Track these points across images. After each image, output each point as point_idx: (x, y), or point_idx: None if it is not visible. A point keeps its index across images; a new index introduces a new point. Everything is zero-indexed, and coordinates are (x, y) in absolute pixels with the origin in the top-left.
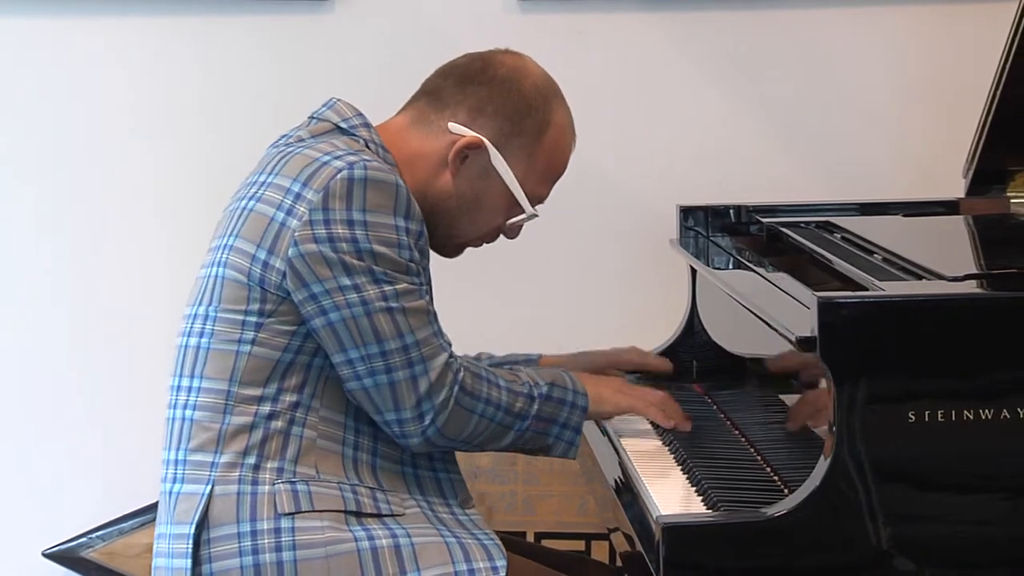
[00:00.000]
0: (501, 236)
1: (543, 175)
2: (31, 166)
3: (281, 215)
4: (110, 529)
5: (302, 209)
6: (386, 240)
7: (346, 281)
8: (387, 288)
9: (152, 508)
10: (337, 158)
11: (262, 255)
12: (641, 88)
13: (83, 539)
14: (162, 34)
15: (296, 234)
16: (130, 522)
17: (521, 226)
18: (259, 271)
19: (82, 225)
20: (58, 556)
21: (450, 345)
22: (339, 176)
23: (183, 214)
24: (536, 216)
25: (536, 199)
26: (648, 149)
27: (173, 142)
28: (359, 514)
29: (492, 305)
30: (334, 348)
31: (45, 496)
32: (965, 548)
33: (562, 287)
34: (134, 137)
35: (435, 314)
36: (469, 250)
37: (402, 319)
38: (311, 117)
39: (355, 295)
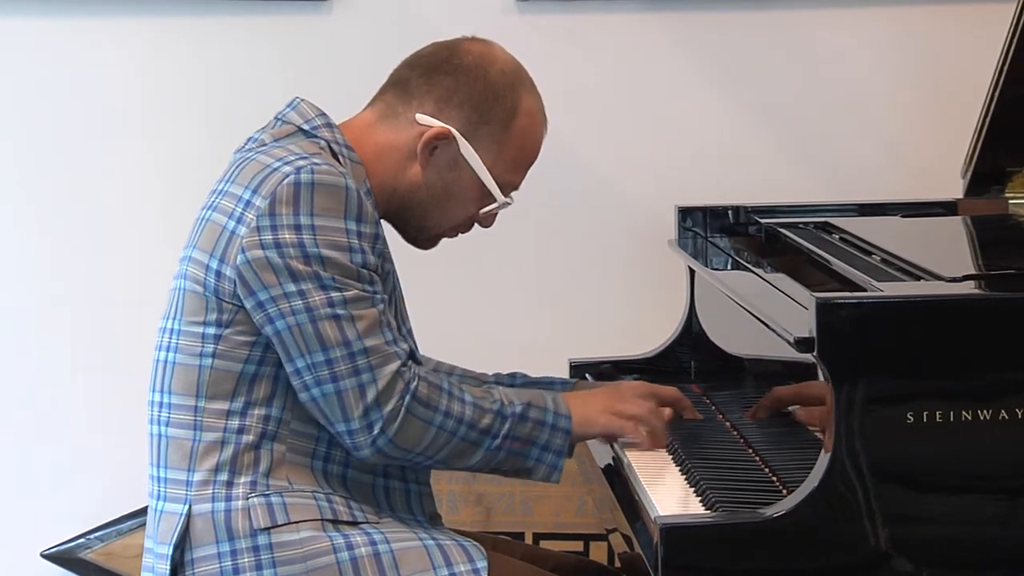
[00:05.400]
0: (476, 226)
1: (514, 162)
2: (32, 166)
3: (232, 223)
4: (108, 530)
5: (250, 216)
6: (336, 244)
7: (291, 287)
8: (334, 295)
9: None
10: (287, 163)
11: (215, 264)
12: (639, 89)
13: (81, 540)
14: (161, 34)
15: (244, 241)
16: (128, 523)
17: (495, 214)
18: (213, 281)
19: (82, 225)
20: (56, 557)
21: (406, 354)
22: (286, 181)
23: (182, 214)
24: (509, 204)
25: (508, 187)
26: (646, 150)
27: (172, 142)
28: (336, 522)
29: (491, 306)
30: (284, 357)
31: (44, 497)
32: (963, 548)
33: (561, 288)
34: (132, 137)
35: (389, 323)
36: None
37: (349, 326)
38: (276, 118)
39: (300, 302)
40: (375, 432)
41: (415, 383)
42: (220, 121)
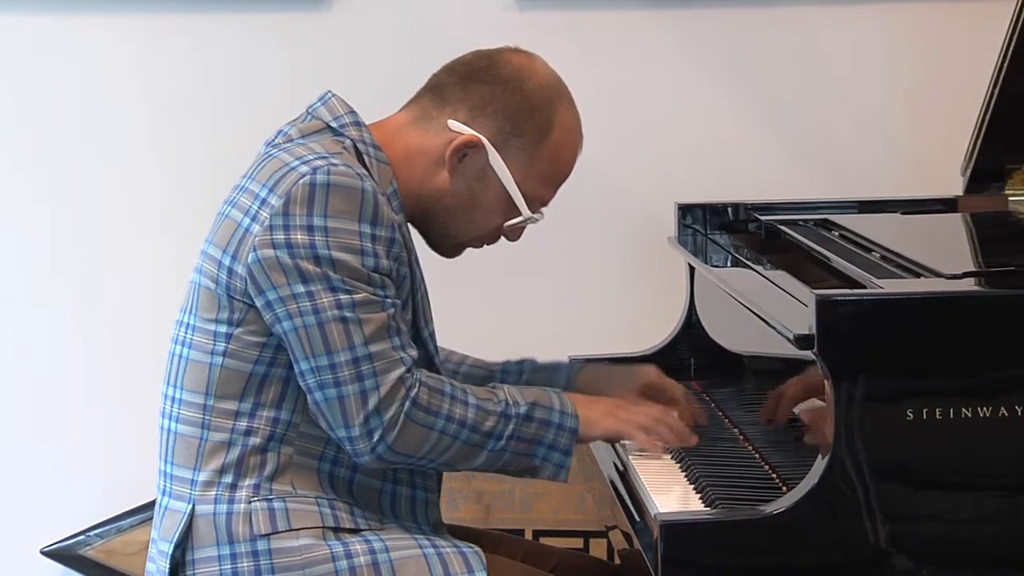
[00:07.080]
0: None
1: (544, 178)
2: (32, 164)
3: (247, 221)
4: (108, 527)
5: (264, 214)
6: (348, 247)
7: (300, 288)
8: (343, 297)
9: (150, 506)
10: (305, 162)
11: (227, 261)
12: (640, 86)
13: (81, 537)
14: (161, 32)
15: (256, 240)
16: (128, 520)
17: (522, 228)
18: (225, 278)
19: (82, 224)
20: (57, 554)
21: (412, 360)
22: (301, 181)
23: (182, 212)
24: (537, 220)
25: (537, 202)
26: (647, 147)
27: (171, 141)
28: (337, 529)
29: (491, 303)
30: (292, 358)
31: (44, 494)
32: (963, 546)
33: (561, 285)
34: (132, 135)
35: (399, 329)
36: (466, 251)
37: (356, 330)
38: (307, 112)
39: (308, 303)
40: (374, 439)
41: (415, 389)
42: (220, 120)
